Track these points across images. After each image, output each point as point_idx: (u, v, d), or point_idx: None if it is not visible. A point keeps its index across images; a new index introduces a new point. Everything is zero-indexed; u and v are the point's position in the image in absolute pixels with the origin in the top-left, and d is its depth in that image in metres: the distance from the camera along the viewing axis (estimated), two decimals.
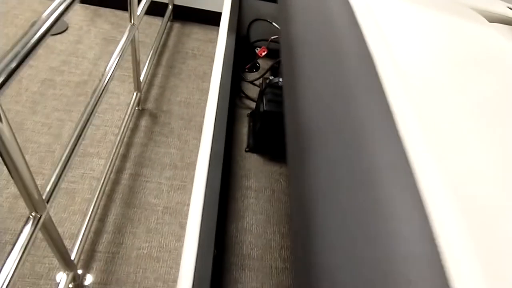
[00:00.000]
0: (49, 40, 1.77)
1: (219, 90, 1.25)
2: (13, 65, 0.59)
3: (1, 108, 0.57)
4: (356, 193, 0.46)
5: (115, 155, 1.32)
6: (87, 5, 2.02)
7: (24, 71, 1.59)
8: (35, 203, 0.73)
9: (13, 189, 1.19)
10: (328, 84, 0.67)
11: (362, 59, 0.66)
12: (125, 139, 1.44)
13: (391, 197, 0.41)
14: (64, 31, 1.84)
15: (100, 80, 1.08)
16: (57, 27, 1.86)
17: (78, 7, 2.00)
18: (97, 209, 1.17)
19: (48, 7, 0.77)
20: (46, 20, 0.72)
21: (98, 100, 1.02)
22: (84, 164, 1.32)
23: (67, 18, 1.91)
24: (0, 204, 1.15)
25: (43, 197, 0.76)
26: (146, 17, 2.09)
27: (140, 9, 1.36)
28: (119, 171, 1.33)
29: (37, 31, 0.68)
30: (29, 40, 0.65)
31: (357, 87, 0.60)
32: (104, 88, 1.06)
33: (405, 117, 0.51)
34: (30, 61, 1.67)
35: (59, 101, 1.51)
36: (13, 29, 1.79)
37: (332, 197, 0.52)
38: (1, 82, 0.56)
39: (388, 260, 0.37)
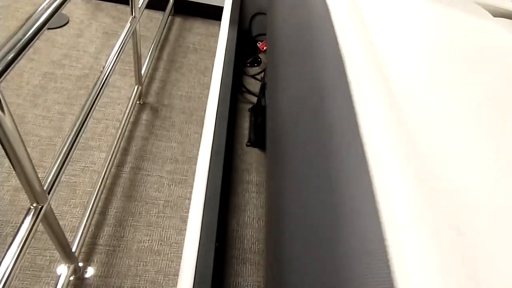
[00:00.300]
0: (50, 33, 1.76)
1: (221, 84, 1.24)
2: (10, 56, 0.59)
3: (4, 99, 0.56)
4: (318, 192, 0.47)
5: (116, 148, 1.31)
6: None
7: (24, 65, 1.59)
8: (36, 194, 0.73)
9: (14, 181, 1.19)
10: (303, 82, 0.68)
11: (336, 57, 0.65)
12: (126, 132, 1.44)
13: (350, 198, 0.41)
14: (65, 24, 1.83)
15: (101, 73, 1.07)
16: (57, 21, 1.86)
17: (79, 0, 1.99)
18: (98, 202, 1.17)
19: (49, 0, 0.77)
20: (44, 12, 0.71)
21: (99, 93, 1.02)
22: (85, 157, 1.32)
23: (68, 11, 1.91)
24: (1, 196, 1.15)
25: (44, 188, 0.76)
26: (147, 11, 2.08)
27: (141, 2, 1.35)
28: (120, 164, 1.33)
29: (35, 22, 0.67)
30: (27, 32, 0.64)
31: (328, 86, 0.59)
32: (105, 81, 1.05)
33: (368, 118, 0.51)
34: (31, 55, 1.66)
35: (60, 95, 1.50)
36: (14, 23, 1.78)
37: (298, 193, 0.52)
38: None
39: (343, 257, 0.38)
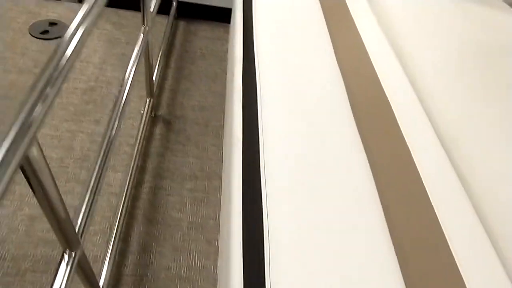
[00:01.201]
0: (50, 44, 1.66)
1: (243, 95, 1.17)
2: (48, 91, 0.52)
3: (39, 145, 0.49)
4: None
5: (133, 167, 1.24)
6: None
7: (26, 80, 1.49)
8: (69, 240, 0.66)
9: (28, 210, 1.11)
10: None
11: None
12: (141, 149, 1.36)
13: None
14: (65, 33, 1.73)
15: (119, 92, 1.00)
16: (57, 30, 1.75)
17: (77, 7, 1.89)
18: (121, 230, 1.10)
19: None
20: (74, 34, 0.63)
21: (119, 115, 0.94)
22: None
23: (66, 19, 1.81)
24: (15, 227, 1.08)
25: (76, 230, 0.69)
26: None
27: (152, 8, 1.27)
28: (138, 184, 1.26)
29: (66, 49, 0.60)
30: (58, 63, 0.57)
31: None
32: (124, 101, 0.98)
33: None
34: (32, 68, 1.56)
35: (66, 111, 1.42)
36: (10, 33, 1.68)
37: None
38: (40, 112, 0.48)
39: None
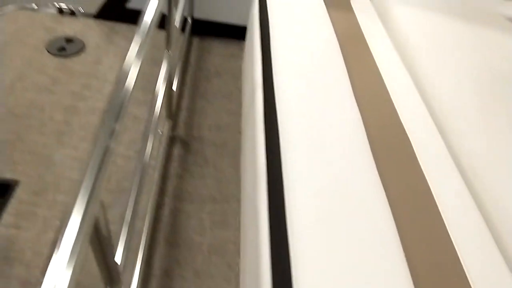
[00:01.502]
0: (67, 61, 1.68)
1: (265, 115, 1.18)
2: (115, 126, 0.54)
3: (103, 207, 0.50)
4: None
5: (153, 190, 1.25)
6: (102, 21, 1.93)
7: (44, 98, 1.51)
8: (113, 279, 0.67)
9: (52, 234, 1.12)
10: None
11: None
12: (161, 171, 1.37)
13: None
14: (81, 50, 1.74)
15: (148, 120, 1.02)
16: (73, 47, 1.76)
17: (93, 23, 1.90)
18: (145, 253, 1.11)
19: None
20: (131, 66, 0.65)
21: (149, 145, 0.96)
22: (121, 201, 1.25)
23: (82, 35, 1.82)
24: (39, 251, 1.08)
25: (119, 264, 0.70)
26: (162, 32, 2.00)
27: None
28: (158, 206, 1.27)
29: (124, 82, 0.62)
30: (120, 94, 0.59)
31: None
32: (156, 129, 1.00)
33: None
34: (50, 86, 1.56)
35: (86, 131, 1.43)
36: (27, 50, 1.69)
37: None
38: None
39: None
